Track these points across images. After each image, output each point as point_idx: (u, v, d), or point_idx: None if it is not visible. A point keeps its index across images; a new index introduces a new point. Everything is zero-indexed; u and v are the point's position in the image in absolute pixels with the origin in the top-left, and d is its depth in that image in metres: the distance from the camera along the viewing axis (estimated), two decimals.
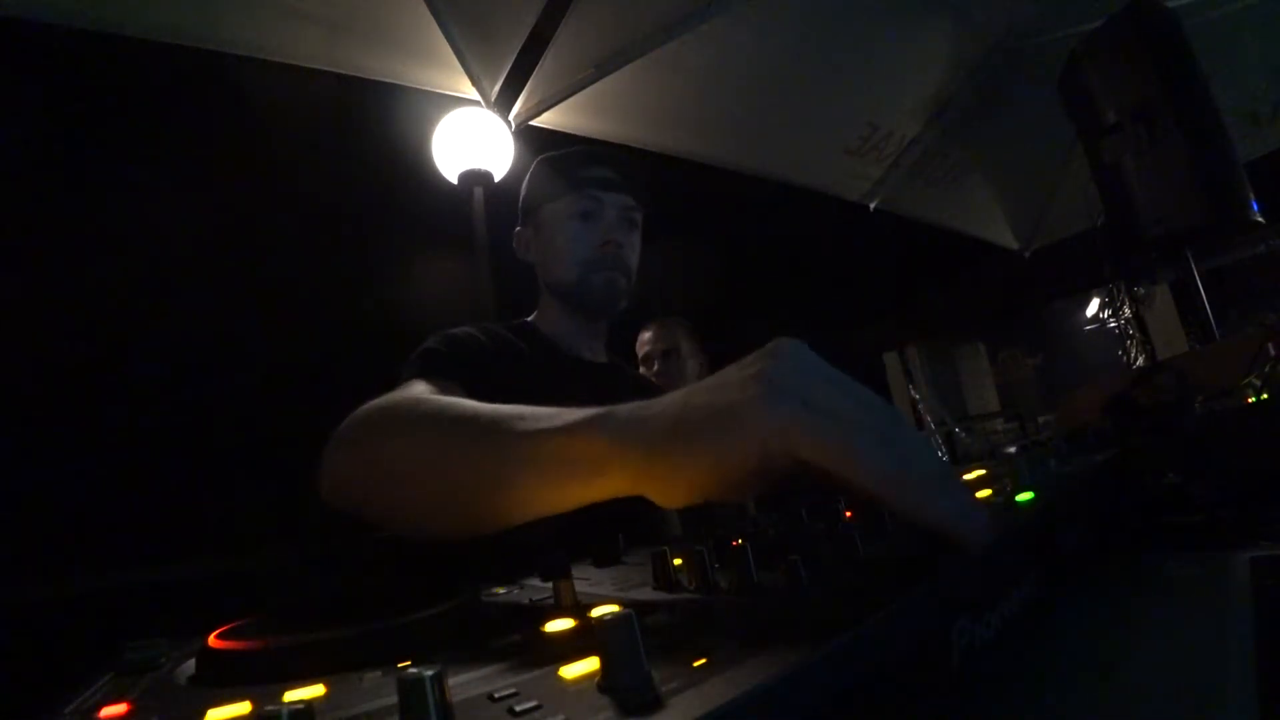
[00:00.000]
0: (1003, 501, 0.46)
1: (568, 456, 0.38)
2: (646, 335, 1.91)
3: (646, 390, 1.00)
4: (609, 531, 0.55)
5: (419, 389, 0.64)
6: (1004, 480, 0.56)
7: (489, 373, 0.78)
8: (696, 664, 0.21)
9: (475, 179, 2.15)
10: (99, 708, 0.26)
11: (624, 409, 0.37)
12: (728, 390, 0.33)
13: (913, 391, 6.55)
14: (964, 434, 6.24)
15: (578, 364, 0.99)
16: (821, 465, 0.30)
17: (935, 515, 0.30)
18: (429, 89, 2.08)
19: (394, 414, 0.54)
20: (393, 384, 0.76)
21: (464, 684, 0.23)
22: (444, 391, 0.64)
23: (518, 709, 0.19)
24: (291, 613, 0.38)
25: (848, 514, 0.49)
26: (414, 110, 2.16)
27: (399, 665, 0.27)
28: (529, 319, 1.04)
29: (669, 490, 0.34)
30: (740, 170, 2.73)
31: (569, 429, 0.39)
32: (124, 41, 1.61)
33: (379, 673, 0.27)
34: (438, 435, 0.47)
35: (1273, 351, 0.96)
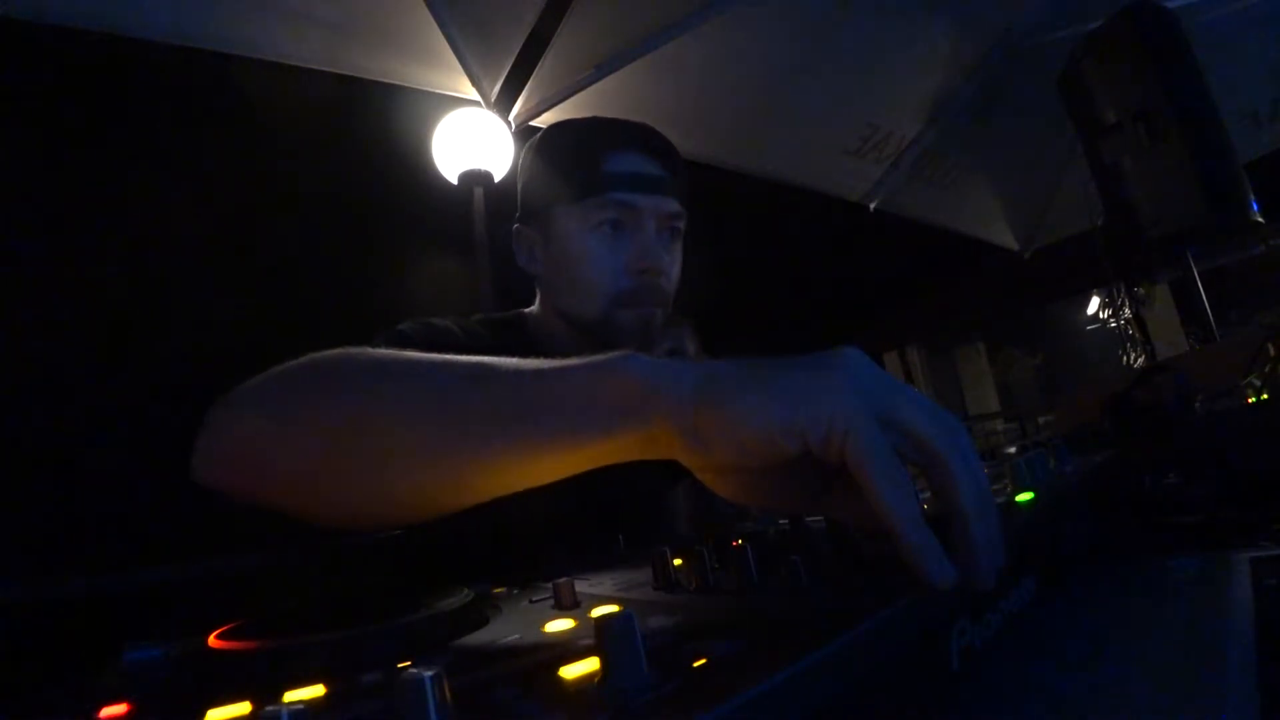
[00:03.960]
0: (1003, 502, 0.46)
1: (594, 397, 0.33)
2: None
3: None
4: (609, 532, 0.55)
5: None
6: (1004, 480, 0.56)
7: None
8: (696, 664, 0.21)
9: (475, 179, 2.15)
10: (99, 708, 0.26)
11: (655, 358, 0.34)
12: (803, 369, 0.31)
13: None
14: None
15: None
16: (857, 479, 0.29)
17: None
18: (429, 89, 2.08)
19: (340, 362, 0.41)
20: None
21: (464, 684, 0.23)
22: None
23: (518, 709, 0.19)
24: (291, 613, 0.38)
25: None
26: (414, 110, 2.16)
27: (399, 665, 0.27)
28: (527, 310, 0.86)
29: (709, 444, 0.31)
30: (740, 170, 2.72)
31: (595, 364, 0.34)
32: (123, 42, 1.61)
33: (379, 673, 0.27)
34: (411, 382, 0.38)
35: (1273, 351, 0.96)
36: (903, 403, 0.31)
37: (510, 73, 2.11)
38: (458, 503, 0.38)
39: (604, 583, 0.42)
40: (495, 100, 2.15)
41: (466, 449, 0.35)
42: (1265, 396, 0.85)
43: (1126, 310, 3.80)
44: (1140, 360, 3.57)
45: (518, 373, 0.36)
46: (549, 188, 0.76)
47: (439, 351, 0.65)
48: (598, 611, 0.31)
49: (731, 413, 0.30)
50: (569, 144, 0.77)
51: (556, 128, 0.81)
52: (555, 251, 0.77)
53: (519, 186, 0.83)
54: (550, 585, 0.37)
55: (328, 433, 0.38)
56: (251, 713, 0.23)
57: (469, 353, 0.70)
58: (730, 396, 0.31)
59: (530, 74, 2.15)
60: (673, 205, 0.75)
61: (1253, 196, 1.71)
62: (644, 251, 0.73)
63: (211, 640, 0.32)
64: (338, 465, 0.38)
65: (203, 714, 0.23)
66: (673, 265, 0.78)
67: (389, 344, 0.61)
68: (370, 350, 0.42)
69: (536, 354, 0.81)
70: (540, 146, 0.80)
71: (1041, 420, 5.01)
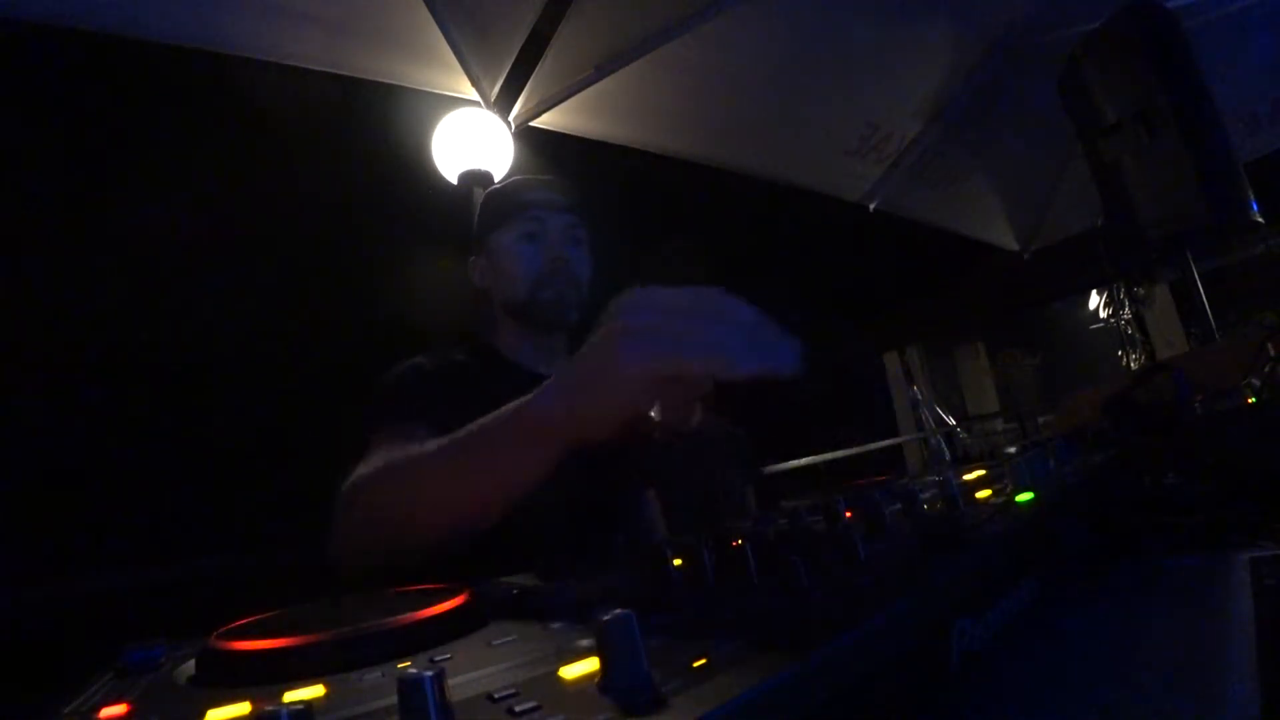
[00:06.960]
0: (1003, 502, 0.46)
1: (523, 427, 0.54)
2: None
3: None
4: (608, 531, 0.56)
5: (396, 448, 0.72)
6: (1004, 480, 0.56)
7: (443, 399, 0.84)
8: (696, 664, 0.21)
9: (475, 179, 2.14)
10: (99, 708, 0.26)
11: (547, 384, 0.53)
12: (598, 352, 0.47)
13: (913, 391, 6.55)
14: (964, 434, 6.24)
15: (534, 380, 0.98)
16: (677, 376, 0.44)
17: (748, 369, 0.42)
18: (429, 89, 2.08)
19: (396, 463, 0.66)
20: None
21: (464, 684, 0.23)
22: (410, 435, 0.74)
23: (518, 709, 0.19)
24: (291, 613, 0.38)
25: (848, 514, 0.49)
26: (414, 110, 2.16)
27: (399, 665, 0.27)
28: (488, 339, 1.10)
29: (591, 430, 0.49)
30: (740, 170, 2.72)
31: (516, 408, 0.55)
32: (123, 42, 1.61)
33: (379, 673, 0.27)
34: (439, 459, 0.61)
35: (1273, 351, 0.96)
36: (660, 319, 0.45)
37: (510, 73, 2.10)
38: (504, 503, 0.59)
39: (604, 583, 0.42)
40: (495, 100, 2.15)
41: (486, 476, 0.59)
42: (1265, 396, 0.85)
43: (1126, 310, 3.81)
44: (1140, 360, 3.57)
45: (493, 425, 0.57)
46: (488, 221, 1.08)
47: (417, 394, 0.93)
48: (598, 612, 0.31)
49: (593, 421, 0.49)
50: (501, 192, 1.10)
51: (491, 188, 1.15)
52: (495, 263, 1.06)
53: (472, 232, 1.14)
54: (550, 585, 0.37)
55: (417, 500, 0.64)
56: (251, 713, 0.23)
57: (441, 377, 0.99)
58: (585, 414, 0.49)
59: (530, 74, 2.15)
60: (571, 219, 1.05)
61: (1253, 196, 1.71)
62: (553, 247, 1.02)
63: (211, 640, 0.32)
64: (431, 513, 0.63)
65: (203, 714, 0.23)
66: (581, 260, 1.05)
67: (379, 417, 0.87)
68: (405, 448, 0.66)
69: (500, 368, 1.08)
70: (482, 201, 1.14)
71: (1041, 420, 5.01)
